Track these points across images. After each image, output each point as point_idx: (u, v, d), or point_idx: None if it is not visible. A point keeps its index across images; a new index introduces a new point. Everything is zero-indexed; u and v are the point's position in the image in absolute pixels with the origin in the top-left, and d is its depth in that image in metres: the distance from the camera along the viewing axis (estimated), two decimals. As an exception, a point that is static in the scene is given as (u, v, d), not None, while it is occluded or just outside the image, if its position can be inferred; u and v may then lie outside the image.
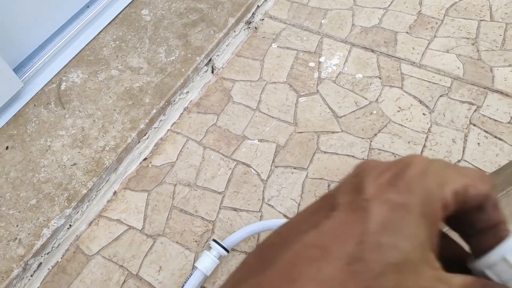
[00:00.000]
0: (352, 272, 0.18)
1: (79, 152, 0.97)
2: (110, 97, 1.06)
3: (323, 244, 0.19)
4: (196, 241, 0.93)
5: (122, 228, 0.95)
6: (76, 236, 0.95)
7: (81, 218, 0.94)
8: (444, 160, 0.22)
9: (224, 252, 0.83)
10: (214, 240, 0.83)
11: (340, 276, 0.18)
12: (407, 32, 1.20)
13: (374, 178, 0.21)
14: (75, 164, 0.96)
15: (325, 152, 1.01)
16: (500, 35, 1.16)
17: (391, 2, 1.28)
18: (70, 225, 0.92)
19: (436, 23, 1.21)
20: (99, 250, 0.92)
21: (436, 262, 0.20)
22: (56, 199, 0.91)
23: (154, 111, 1.03)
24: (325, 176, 0.97)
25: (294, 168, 0.99)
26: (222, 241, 0.84)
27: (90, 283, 0.88)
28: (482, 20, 1.20)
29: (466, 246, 0.24)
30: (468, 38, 1.17)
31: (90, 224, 0.96)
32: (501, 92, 1.05)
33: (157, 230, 0.94)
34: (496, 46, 1.14)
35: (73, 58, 1.13)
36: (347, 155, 1.00)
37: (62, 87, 1.08)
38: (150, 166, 1.04)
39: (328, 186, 0.96)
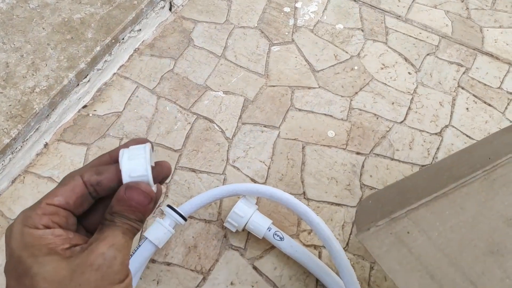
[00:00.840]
0: None
1: (1, 93, 0.78)
2: (43, 28, 0.86)
3: None
4: (145, 206, 0.78)
5: (53, 187, 0.78)
6: (-5, 195, 0.77)
7: (2, 173, 0.76)
8: (28, 207, 0.29)
9: (181, 220, 0.69)
10: (169, 206, 0.68)
11: None
12: (392, -17, 1.08)
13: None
14: (-5, 106, 0.77)
15: (300, 110, 0.88)
16: (491, -7, 1.06)
17: None
18: (-14, 182, 0.74)
19: (424, -25, 1.09)
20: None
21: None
22: (-32, 148, 0.72)
23: (98, 48, 0.84)
24: (299, 136, 0.84)
25: (264, 126, 0.86)
26: (178, 207, 0.70)
27: (11, 253, 0.72)
28: (472, -24, 1.09)
29: None
30: (457, -6, 1.06)
31: (13, 181, 0.78)
32: (491, 55, 0.96)
33: (98, 192, 0.78)
34: (487, 5, 1.04)
35: (-3, -22, 0.91)
36: (325, 114, 0.87)
37: (-19, 11, 0.86)
38: (90, 115, 0.86)
39: (303, 148, 0.83)
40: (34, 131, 0.79)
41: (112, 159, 0.33)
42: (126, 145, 0.33)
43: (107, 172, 0.31)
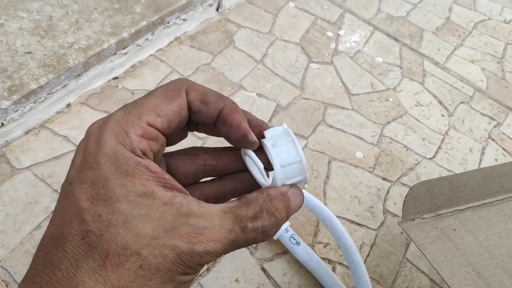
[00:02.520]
0: (88, 242, 0.21)
1: (39, 42, 0.76)
2: (93, -7, 0.85)
3: (59, 226, 0.23)
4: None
5: (68, 147, 0.74)
6: (6, 141, 0.72)
7: (19, 121, 0.72)
8: (121, 112, 0.24)
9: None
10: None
11: (79, 250, 0.21)
12: (433, 33, 1.10)
13: (73, 161, 0.24)
14: (30, 52, 0.74)
15: (330, 126, 0.86)
16: (527, 61, 1.08)
17: (421, 0, 1.17)
18: (2, 124, 0.70)
19: (464, 32, 1.12)
20: (31, 165, 0.71)
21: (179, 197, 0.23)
22: (-7, 84, 0.69)
23: (144, 23, 0.83)
24: (326, 150, 0.82)
25: (294, 133, 0.83)
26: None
27: (9, 201, 0.66)
28: (509, 43, 1.12)
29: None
30: (494, 56, 1.08)
31: (27, 132, 0.74)
32: (523, 116, 0.96)
33: (112, 161, 0.74)
34: (521, 71, 1.06)
35: None
36: (355, 136, 0.85)
37: (36, -34, 0.86)
38: (120, 87, 0.84)
39: (329, 162, 0.80)
40: (62, 87, 0.76)
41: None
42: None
43: (213, 106, 0.25)
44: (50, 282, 0.21)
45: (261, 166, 0.26)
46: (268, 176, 0.28)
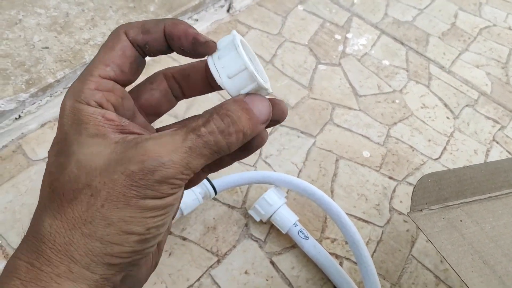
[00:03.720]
0: (53, 189, 0.23)
1: (55, 37, 0.78)
2: (109, -8, 0.87)
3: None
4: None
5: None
6: (22, 133, 0.74)
7: (36, 113, 0.74)
8: (77, 78, 0.25)
9: (212, 192, 0.66)
10: (206, 178, 0.66)
11: (46, 200, 0.23)
12: (439, 37, 1.12)
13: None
14: (47, 47, 0.76)
15: (338, 126, 0.88)
16: (531, 67, 1.10)
17: (427, 6, 1.19)
18: (19, 116, 0.72)
19: (469, 38, 1.14)
20: (47, 157, 0.72)
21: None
22: (12, 78, 0.71)
23: (158, 22, 0.85)
24: (334, 149, 0.84)
25: (301, 132, 0.85)
26: (213, 180, 0.67)
27: (25, 191, 0.68)
28: (513, 49, 1.14)
29: None
30: (498, 61, 1.10)
31: (43, 125, 0.76)
32: (527, 120, 0.98)
33: (125, 155, 0.75)
34: (525, 77, 1.07)
35: None
36: (362, 135, 0.87)
37: (54, -36, 0.88)
38: (133, 84, 0.85)
39: (336, 160, 0.82)
40: (77, 82, 0.78)
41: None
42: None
43: (154, 31, 0.25)
44: (27, 235, 0.23)
45: (216, 75, 0.25)
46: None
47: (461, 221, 0.50)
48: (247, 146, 0.27)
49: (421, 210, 0.51)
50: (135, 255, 0.23)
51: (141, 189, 0.22)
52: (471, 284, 0.44)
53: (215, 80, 0.25)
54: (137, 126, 0.25)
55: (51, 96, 0.75)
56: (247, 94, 0.25)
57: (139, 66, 0.27)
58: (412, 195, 0.50)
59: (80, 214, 0.22)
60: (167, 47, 0.26)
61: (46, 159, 0.72)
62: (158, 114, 0.30)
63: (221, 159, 0.28)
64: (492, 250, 0.47)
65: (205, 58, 0.26)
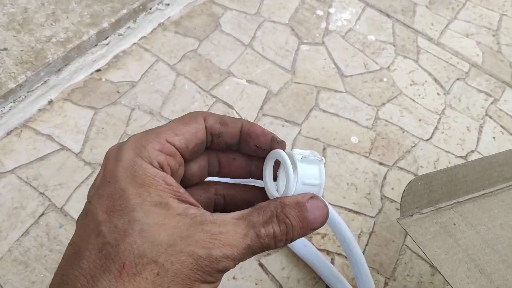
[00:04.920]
0: (105, 255, 0.20)
1: (14, 36, 0.72)
2: (69, -19, 0.81)
3: (77, 244, 0.22)
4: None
5: (52, 146, 0.71)
6: (-14, 144, 0.69)
7: (-2, 122, 0.69)
8: (140, 133, 0.25)
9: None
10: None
11: (95, 265, 0.20)
12: (426, 6, 1.06)
13: (94, 182, 0.24)
14: (5, 49, 0.70)
15: (324, 111, 0.83)
16: (523, 33, 1.05)
17: (413, -28, 1.13)
18: (-20, 126, 0.67)
19: (457, 5, 1.08)
20: (15, 168, 0.68)
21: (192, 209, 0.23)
22: (-33, 86, 0.65)
23: (125, 11, 0.79)
24: (321, 137, 0.80)
25: (286, 121, 0.81)
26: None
27: (-6, 208, 0.64)
28: (504, 14, 1.09)
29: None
30: (489, 29, 1.05)
31: (9, 133, 0.71)
32: (520, 90, 0.94)
33: (99, 158, 0.71)
34: (517, 43, 1.03)
35: None
36: (350, 120, 0.83)
37: (7, -47, 0.81)
38: (103, 80, 0.80)
39: (324, 149, 0.78)
40: (42, 84, 0.72)
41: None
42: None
43: (232, 126, 0.27)
44: None
45: (289, 164, 0.26)
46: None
47: (454, 224, 0.47)
48: None
49: (412, 215, 0.48)
50: None
51: (205, 274, 0.22)
52: (468, 296, 0.42)
53: (263, 174, 0.29)
54: (189, 195, 0.25)
55: (14, 102, 0.69)
56: (313, 196, 0.26)
57: (200, 150, 0.28)
58: (401, 201, 0.47)
59: None
60: (237, 144, 0.28)
61: (16, 171, 0.67)
62: (186, 185, 0.30)
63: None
64: (488, 256, 0.44)
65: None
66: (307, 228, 0.25)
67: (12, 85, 0.67)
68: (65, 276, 0.21)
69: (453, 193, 0.48)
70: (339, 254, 0.68)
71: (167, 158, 0.24)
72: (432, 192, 0.47)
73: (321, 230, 0.69)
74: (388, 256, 0.68)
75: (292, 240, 0.25)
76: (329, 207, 0.61)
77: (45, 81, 0.72)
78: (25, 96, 0.71)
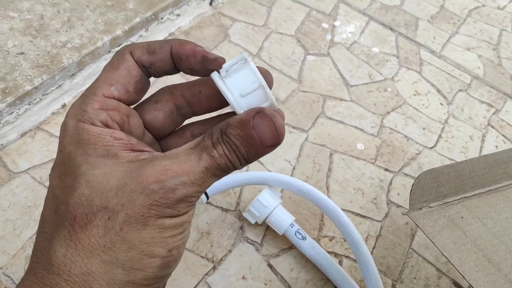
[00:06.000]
0: (59, 214, 0.21)
1: (31, 42, 0.74)
2: (85, -10, 0.83)
3: (42, 214, 0.23)
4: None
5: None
6: (2, 145, 0.70)
7: (14, 123, 0.70)
8: (79, 97, 0.24)
9: (204, 198, 0.64)
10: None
11: (52, 225, 0.21)
12: (428, 21, 1.09)
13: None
14: (22, 53, 0.72)
15: (330, 118, 0.85)
16: (522, 47, 1.08)
17: (415, -11, 1.17)
18: (-4, 127, 0.68)
19: (459, 20, 1.12)
20: (29, 168, 0.69)
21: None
22: (-14, 87, 0.67)
23: (138, 19, 0.82)
24: (327, 143, 0.81)
25: (293, 127, 0.82)
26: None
27: (8, 206, 0.65)
28: (504, 30, 1.12)
29: None
30: (489, 43, 1.08)
31: (23, 135, 0.73)
32: (521, 102, 0.96)
33: (111, 161, 0.72)
34: (517, 57, 1.05)
35: None
36: (355, 127, 0.84)
37: (25, -36, 0.84)
38: (116, 86, 0.82)
39: (330, 155, 0.80)
40: (56, 87, 0.74)
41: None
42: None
43: (161, 51, 0.25)
44: (34, 266, 0.22)
45: (223, 87, 0.24)
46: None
47: (462, 217, 0.48)
48: None
49: (421, 209, 0.49)
50: (156, 283, 0.22)
51: (161, 208, 0.21)
52: (476, 285, 0.43)
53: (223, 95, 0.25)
54: (146, 144, 0.24)
55: (29, 104, 0.71)
56: (260, 111, 0.23)
57: (144, 86, 0.26)
58: (410, 194, 0.48)
59: (97, 239, 0.20)
60: (173, 68, 0.26)
61: (29, 171, 0.69)
62: (162, 135, 0.28)
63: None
64: (496, 247, 0.46)
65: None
66: (257, 146, 0.23)
67: (28, 87, 0.69)
68: (35, 244, 0.22)
69: (460, 188, 0.50)
70: (347, 257, 0.68)
71: (110, 113, 0.23)
72: (440, 186, 0.49)
73: (329, 232, 0.70)
74: (395, 259, 0.69)
75: (248, 161, 0.24)
76: (335, 206, 0.62)
77: (60, 85, 0.74)
78: (40, 99, 0.72)
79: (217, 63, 0.25)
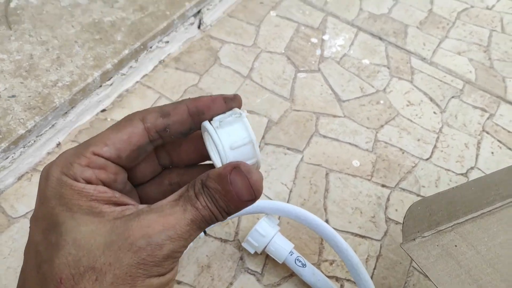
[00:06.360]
0: (43, 273, 0.21)
1: (21, 83, 0.75)
2: (72, 26, 0.84)
3: (23, 270, 0.23)
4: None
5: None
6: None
7: (10, 167, 0.71)
8: (72, 148, 0.25)
9: (201, 233, 0.64)
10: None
11: (36, 285, 0.21)
12: (417, 27, 1.09)
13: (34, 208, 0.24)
14: (14, 96, 0.73)
15: (324, 136, 0.85)
16: (513, 47, 1.08)
17: (402, -5, 1.17)
18: (-8, 174, 0.69)
19: (448, 24, 1.11)
20: (28, 212, 0.70)
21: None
22: (-21, 135, 0.68)
23: (126, 51, 0.82)
24: (323, 162, 0.82)
25: (288, 148, 0.83)
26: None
27: (8, 253, 0.65)
28: (494, 30, 1.12)
29: None
30: (480, 45, 1.07)
31: (20, 178, 0.73)
32: (514, 104, 0.96)
33: (109, 198, 0.73)
34: (508, 58, 1.05)
35: (29, -25, 0.90)
36: (350, 143, 0.85)
37: (12, 4, 0.84)
38: (109, 120, 0.82)
39: (326, 174, 0.80)
40: (50, 127, 0.75)
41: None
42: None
43: (176, 112, 0.25)
44: None
45: (214, 136, 0.24)
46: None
47: (455, 246, 0.49)
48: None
49: (414, 239, 0.49)
50: None
51: (148, 266, 0.21)
52: (473, 317, 0.43)
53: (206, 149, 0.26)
54: (129, 198, 0.24)
55: (24, 147, 0.72)
56: (236, 166, 0.23)
57: (140, 155, 0.26)
58: (402, 226, 0.48)
59: None
60: (189, 128, 0.26)
61: (28, 215, 0.69)
62: (140, 183, 0.29)
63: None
64: (490, 276, 0.46)
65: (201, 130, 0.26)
66: (236, 201, 0.23)
67: (21, 131, 0.69)
68: None
69: (452, 215, 0.50)
70: (348, 280, 0.69)
71: (96, 172, 0.23)
72: (432, 215, 0.49)
73: (329, 256, 0.71)
74: (396, 279, 0.70)
75: (229, 213, 0.24)
76: (333, 232, 0.62)
77: (53, 125, 0.75)
78: (34, 141, 0.73)
79: (237, 99, 0.26)
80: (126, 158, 0.25)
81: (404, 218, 0.48)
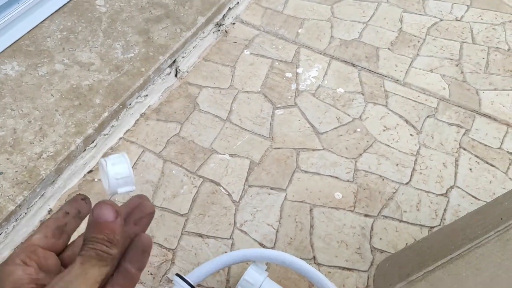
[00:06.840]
0: None
1: (7, 159, 0.78)
2: (52, 95, 0.87)
3: None
4: (151, 274, 0.75)
5: (57, 255, 0.76)
6: (-4, 265, 0.74)
7: (5, 242, 0.74)
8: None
9: (190, 289, 0.67)
10: (178, 275, 0.67)
11: None
12: (388, 49, 1.12)
13: None
14: (1, 173, 0.76)
15: (305, 172, 0.88)
16: (483, 58, 1.10)
17: (371, 17, 1.20)
18: (-12, 251, 0.72)
19: (418, 41, 1.14)
20: (26, 283, 0.73)
21: None
22: (-28, 216, 0.71)
23: (106, 114, 0.85)
24: (306, 198, 0.84)
25: (271, 188, 0.86)
26: (187, 275, 0.68)
27: (11, 327, 0.68)
28: (464, 42, 1.14)
29: None
30: (451, 59, 1.10)
31: (15, 249, 0.76)
32: (489, 116, 0.98)
33: (102, 259, 0.76)
34: (480, 69, 1.08)
35: (8, 47, 0.94)
36: (331, 176, 0.87)
37: (-8, 79, 0.88)
38: (96, 180, 0.86)
39: (310, 210, 0.83)
40: (39, 197, 0.78)
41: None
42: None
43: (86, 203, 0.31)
44: None
45: (110, 169, 0.31)
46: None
47: (427, 294, 0.51)
48: (135, 252, 0.29)
49: (387, 291, 0.52)
50: None
51: None
52: None
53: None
54: (51, 276, 0.28)
55: (16, 221, 0.75)
56: (95, 206, 0.28)
57: (63, 233, 0.29)
58: (373, 282, 0.51)
59: None
60: (83, 216, 0.30)
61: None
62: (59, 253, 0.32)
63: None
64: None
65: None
66: (95, 223, 0.27)
67: (11, 207, 0.72)
68: None
69: (422, 264, 0.52)
70: (338, 315, 0.71)
71: (29, 254, 0.27)
72: (402, 268, 0.51)
73: (318, 293, 0.73)
74: (385, 309, 0.72)
75: (110, 241, 0.27)
76: (319, 275, 0.65)
77: (42, 195, 0.78)
78: (26, 213, 0.76)
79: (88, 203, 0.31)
80: (52, 236, 0.28)
81: (374, 276, 0.51)
